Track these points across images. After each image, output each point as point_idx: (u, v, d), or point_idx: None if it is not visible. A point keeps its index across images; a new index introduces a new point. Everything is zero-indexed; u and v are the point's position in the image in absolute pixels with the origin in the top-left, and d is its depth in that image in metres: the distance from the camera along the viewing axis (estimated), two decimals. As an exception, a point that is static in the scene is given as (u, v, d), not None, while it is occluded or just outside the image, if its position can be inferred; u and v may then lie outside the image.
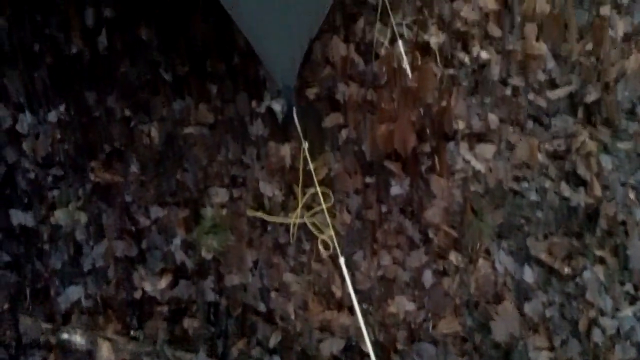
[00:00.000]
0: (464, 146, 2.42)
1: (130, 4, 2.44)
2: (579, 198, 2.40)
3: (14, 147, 2.30)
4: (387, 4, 2.51)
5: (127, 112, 2.29)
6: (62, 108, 2.26)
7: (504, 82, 2.58)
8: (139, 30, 2.40)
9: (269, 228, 2.26)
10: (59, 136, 2.28)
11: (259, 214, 2.25)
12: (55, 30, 2.38)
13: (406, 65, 2.37)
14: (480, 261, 2.29)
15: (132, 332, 2.19)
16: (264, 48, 1.70)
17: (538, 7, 2.78)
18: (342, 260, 1.58)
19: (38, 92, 2.25)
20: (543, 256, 2.32)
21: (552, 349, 2.20)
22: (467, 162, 2.41)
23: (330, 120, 2.39)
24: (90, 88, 2.24)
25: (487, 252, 2.29)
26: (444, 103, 2.41)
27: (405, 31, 2.62)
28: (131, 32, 2.40)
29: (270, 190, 2.30)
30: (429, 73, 2.31)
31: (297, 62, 1.96)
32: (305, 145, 1.68)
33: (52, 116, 2.28)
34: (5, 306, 2.14)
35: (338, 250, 1.69)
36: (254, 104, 2.36)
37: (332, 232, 1.91)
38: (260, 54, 1.68)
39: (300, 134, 1.62)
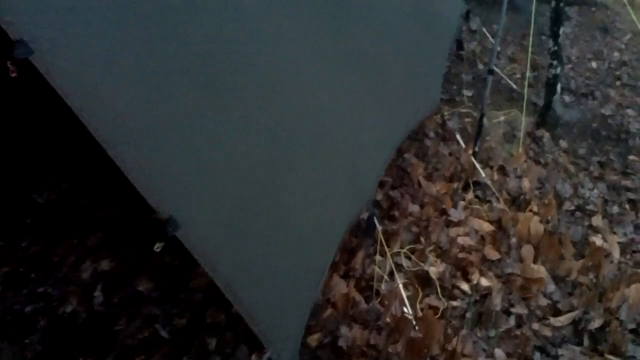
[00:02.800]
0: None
1: (129, 256, 2.43)
2: None
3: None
4: (382, 238, 2.53)
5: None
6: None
7: (506, 312, 2.54)
8: (137, 282, 2.37)
9: None
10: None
11: None
12: (50, 288, 2.34)
13: (409, 313, 2.34)
14: None
15: None
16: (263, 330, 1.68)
17: (532, 227, 2.82)
18: None
19: (31, 360, 2.16)
20: None
21: None
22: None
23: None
24: (86, 354, 2.15)
25: None
26: (450, 347, 2.35)
27: (404, 261, 2.62)
28: (129, 285, 2.37)
29: None
30: (433, 322, 2.27)
31: (297, 342, 1.93)
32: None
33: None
34: None
35: None
36: (254, 357, 2.28)
37: None
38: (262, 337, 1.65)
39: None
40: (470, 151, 3.22)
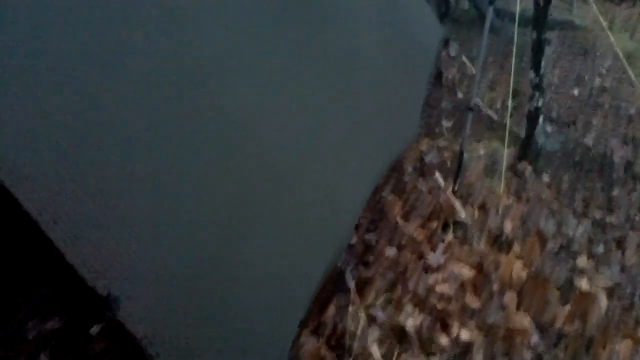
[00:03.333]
0: None
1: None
2: None
3: None
4: (355, 289, 2.37)
5: None
6: None
7: (489, 369, 2.38)
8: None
9: None
10: None
11: None
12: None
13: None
14: None
15: None
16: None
17: (515, 272, 2.67)
18: None
19: None
20: None
21: None
22: None
23: None
24: None
25: None
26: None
27: (379, 314, 2.45)
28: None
29: None
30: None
31: None
32: None
33: None
34: None
35: None
36: None
37: None
38: None
39: None
40: (450, 190, 3.08)
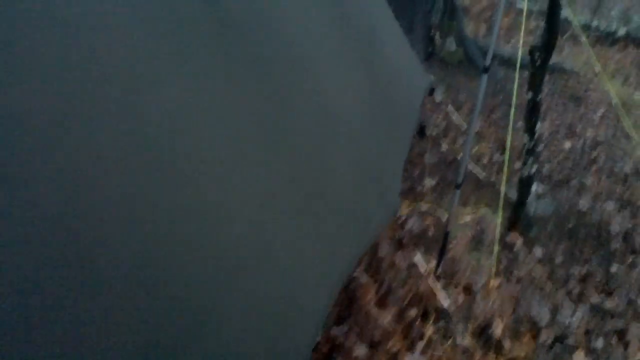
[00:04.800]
0: None
1: None
2: None
3: None
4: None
5: None
6: None
7: None
8: None
9: None
10: None
11: None
12: None
13: None
14: None
15: None
16: None
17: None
18: None
19: None
20: None
21: None
22: None
23: None
24: None
25: None
26: None
27: None
28: None
29: None
30: None
31: None
32: None
33: None
34: None
35: None
36: None
37: None
38: None
39: None
40: (432, 272, 2.72)
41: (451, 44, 5.62)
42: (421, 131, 3.94)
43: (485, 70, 2.42)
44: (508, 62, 5.62)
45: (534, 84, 3.01)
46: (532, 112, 3.01)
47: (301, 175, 2.05)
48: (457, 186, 2.57)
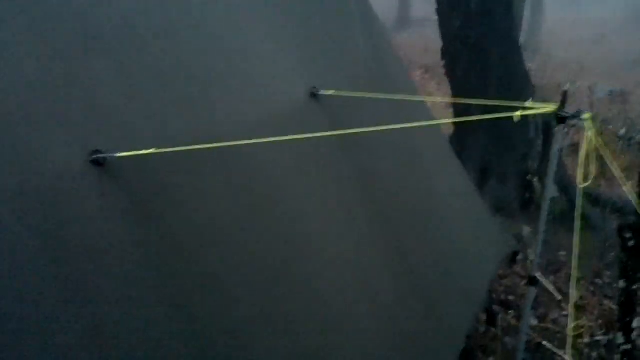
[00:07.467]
0: None
1: None
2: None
3: None
4: None
5: None
6: None
7: None
8: None
9: None
10: None
11: None
12: None
13: None
14: None
15: None
16: None
17: None
18: None
19: None
20: None
21: None
22: None
23: None
24: None
25: None
26: None
27: None
28: None
29: None
30: None
31: None
32: None
33: None
34: None
35: None
36: None
37: None
38: None
39: None
40: None
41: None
42: (490, 317, 3.37)
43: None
44: (622, 210, 4.92)
45: (626, 270, 2.45)
46: (626, 308, 2.42)
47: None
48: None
